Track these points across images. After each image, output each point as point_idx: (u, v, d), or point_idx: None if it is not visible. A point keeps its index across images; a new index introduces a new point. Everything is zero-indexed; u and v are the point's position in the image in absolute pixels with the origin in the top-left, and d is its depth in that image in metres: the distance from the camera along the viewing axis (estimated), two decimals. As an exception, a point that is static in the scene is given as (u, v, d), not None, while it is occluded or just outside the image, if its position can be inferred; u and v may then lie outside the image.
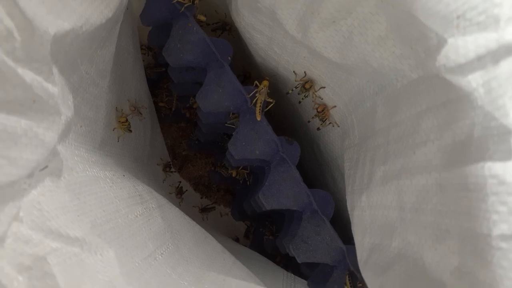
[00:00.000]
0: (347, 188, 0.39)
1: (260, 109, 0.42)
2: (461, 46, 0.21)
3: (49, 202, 0.21)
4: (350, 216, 0.38)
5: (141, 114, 0.45)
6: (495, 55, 0.20)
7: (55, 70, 0.22)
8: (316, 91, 0.41)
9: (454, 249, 0.22)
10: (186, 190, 0.56)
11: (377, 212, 0.31)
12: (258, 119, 0.43)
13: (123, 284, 0.22)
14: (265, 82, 0.43)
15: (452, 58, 0.22)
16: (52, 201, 0.21)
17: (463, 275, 0.21)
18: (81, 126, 0.31)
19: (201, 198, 0.60)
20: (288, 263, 0.55)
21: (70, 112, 0.24)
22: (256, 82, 0.43)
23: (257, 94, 0.42)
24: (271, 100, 0.44)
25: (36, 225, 0.19)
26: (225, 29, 0.51)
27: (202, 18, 0.44)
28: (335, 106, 0.41)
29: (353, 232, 0.37)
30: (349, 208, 0.38)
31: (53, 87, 0.21)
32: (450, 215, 0.22)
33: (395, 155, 0.29)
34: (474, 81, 0.21)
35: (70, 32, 0.23)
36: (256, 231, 0.60)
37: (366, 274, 0.32)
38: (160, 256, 0.29)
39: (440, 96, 0.24)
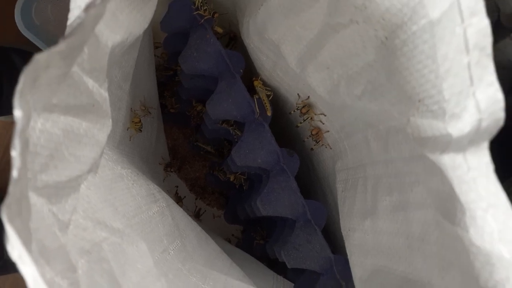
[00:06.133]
0: (342, 208, 0.41)
1: (268, 104, 0.45)
2: (420, 126, 0.24)
3: (94, 196, 0.23)
4: (344, 236, 0.40)
5: (150, 113, 0.48)
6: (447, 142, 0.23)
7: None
8: (316, 114, 0.43)
9: (458, 281, 0.24)
10: (185, 197, 0.58)
11: (382, 237, 0.33)
12: (269, 114, 0.45)
13: (157, 276, 0.25)
14: (256, 83, 0.46)
15: (416, 131, 0.25)
16: (95, 195, 0.23)
17: None
18: (106, 126, 0.33)
19: (196, 199, 0.62)
20: (274, 268, 0.57)
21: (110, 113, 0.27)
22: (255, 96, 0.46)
23: (256, 95, 0.45)
24: (269, 93, 0.46)
25: (87, 216, 0.21)
26: (233, 40, 0.53)
27: (219, 30, 0.46)
28: (328, 131, 0.43)
29: (348, 250, 0.39)
30: (343, 227, 0.40)
31: (105, 93, 0.23)
32: (451, 250, 0.24)
33: (399, 189, 0.31)
34: (434, 155, 0.24)
35: (120, 44, 0.25)
36: (246, 235, 0.62)
37: None
38: (172, 251, 0.32)
39: (416, 149, 0.27)
